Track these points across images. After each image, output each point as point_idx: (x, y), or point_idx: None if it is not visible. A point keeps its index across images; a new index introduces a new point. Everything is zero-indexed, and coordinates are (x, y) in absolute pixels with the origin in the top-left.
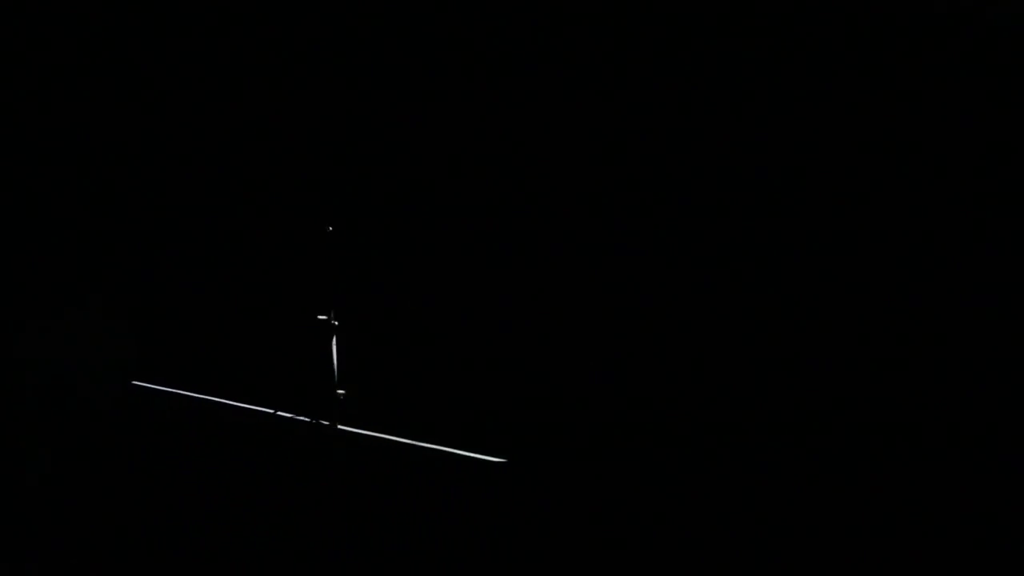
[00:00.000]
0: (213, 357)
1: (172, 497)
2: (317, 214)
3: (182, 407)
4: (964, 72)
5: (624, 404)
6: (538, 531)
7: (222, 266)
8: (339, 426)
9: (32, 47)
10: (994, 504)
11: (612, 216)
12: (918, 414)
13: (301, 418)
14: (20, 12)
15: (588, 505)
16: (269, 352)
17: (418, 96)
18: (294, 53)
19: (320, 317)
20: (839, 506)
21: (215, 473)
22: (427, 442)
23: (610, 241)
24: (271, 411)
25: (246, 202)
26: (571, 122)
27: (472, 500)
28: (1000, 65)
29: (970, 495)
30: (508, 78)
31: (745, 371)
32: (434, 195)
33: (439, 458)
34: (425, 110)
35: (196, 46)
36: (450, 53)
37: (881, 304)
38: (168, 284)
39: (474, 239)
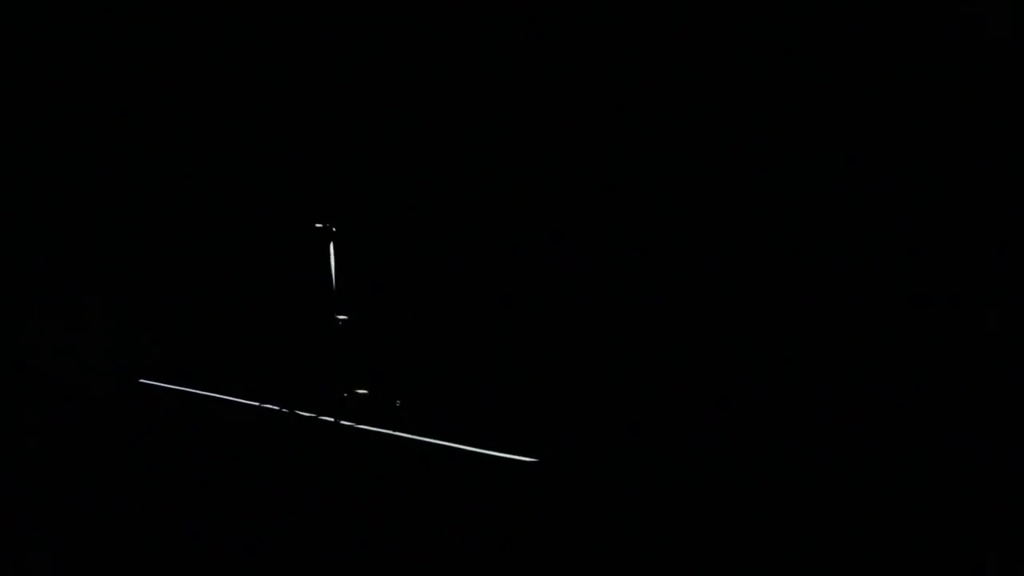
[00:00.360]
0: (224, 356)
1: (177, 496)
2: (330, 211)
3: (191, 405)
4: (964, 74)
5: (659, 402)
6: (571, 531)
7: (231, 264)
8: (362, 426)
9: (38, 47)
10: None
11: (650, 209)
12: (918, 416)
13: (321, 417)
14: (24, 12)
15: (622, 505)
16: (288, 351)
17: (427, 91)
18: (303, 52)
19: (340, 317)
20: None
21: (228, 472)
22: (455, 442)
23: (648, 237)
24: (291, 410)
25: (255, 200)
26: (593, 111)
27: (503, 500)
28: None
29: (970, 495)
30: (519, 71)
31: (788, 371)
32: (461, 189)
33: (467, 458)
34: (437, 105)
35: (202, 45)
36: (458, 45)
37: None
38: (177, 282)
39: (507, 233)
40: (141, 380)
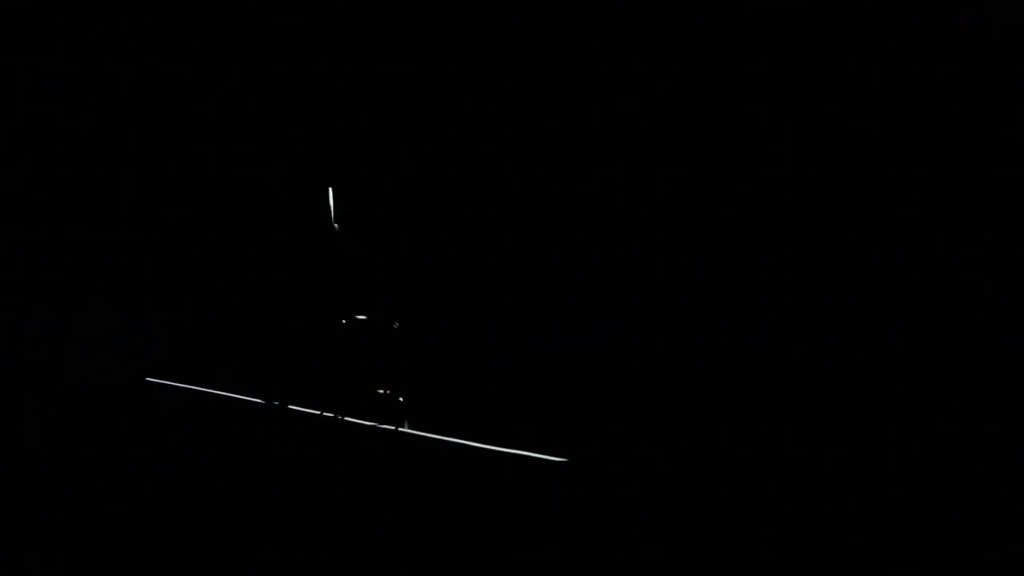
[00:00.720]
0: (230, 354)
1: (183, 491)
2: (342, 210)
3: (196, 402)
4: (963, 73)
5: (687, 402)
6: (600, 532)
7: (237, 264)
8: (389, 427)
9: (54, 51)
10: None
11: (678, 211)
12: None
13: (350, 419)
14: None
15: (651, 505)
16: (313, 351)
17: (439, 92)
18: (313, 52)
19: (359, 317)
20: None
21: (235, 468)
22: (483, 443)
23: (675, 237)
24: (325, 413)
25: (263, 200)
26: (617, 109)
27: (532, 500)
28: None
29: (969, 495)
30: (532, 70)
31: (818, 370)
32: (486, 191)
33: (496, 458)
34: (450, 105)
35: (214, 48)
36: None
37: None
38: (183, 283)
39: (533, 235)
40: (148, 378)
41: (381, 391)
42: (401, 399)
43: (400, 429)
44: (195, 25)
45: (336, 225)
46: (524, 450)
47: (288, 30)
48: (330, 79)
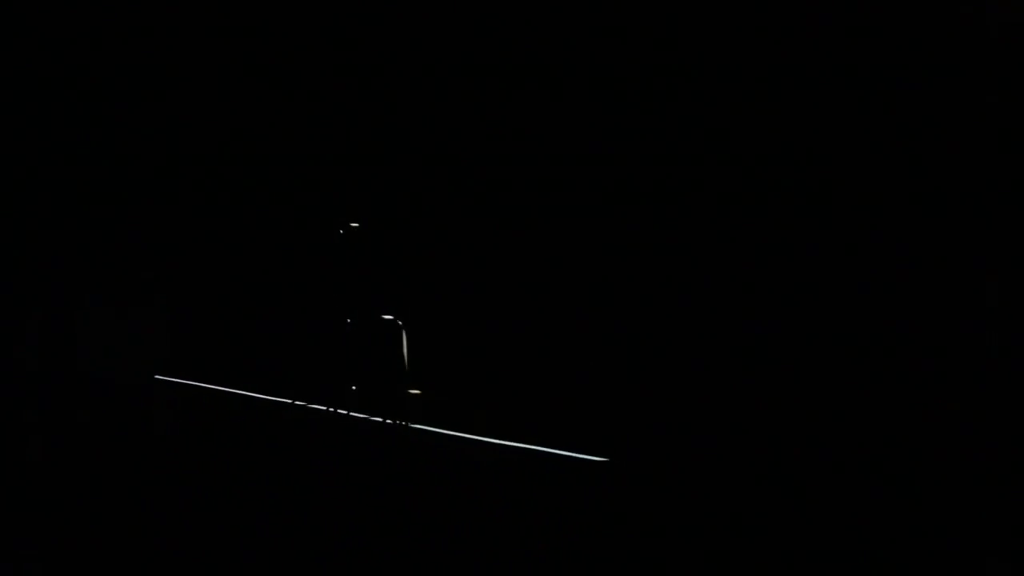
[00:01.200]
0: (236, 353)
1: (192, 486)
2: (361, 212)
3: (203, 400)
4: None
5: (733, 403)
6: (641, 531)
7: (245, 264)
8: (425, 427)
9: (63, 53)
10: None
11: (720, 213)
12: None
13: (377, 419)
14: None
15: (692, 505)
16: (333, 350)
17: (454, 94)
18: (323, 53)
19: (386, 316)
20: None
21: (245, 465)
22: (524, 443)
23: (712, 234)
24: (343, 412)
25: (273, 202)
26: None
27: (572, 499)
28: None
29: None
30: (548, 75)
31: (860, 371)
32: (522, 185)
33: (537, 458)
34: (464, 107)
35: (229, 49)
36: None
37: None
38: (200, 281)
39: (574, 232)
40: (157, 376)
41: (414, 391)
42: (413, 392)
43: (430, 428)
44: (212, 31)
45: (354, 224)
46: (564, 450)
47: (289, 29)
48: (337, 80)
